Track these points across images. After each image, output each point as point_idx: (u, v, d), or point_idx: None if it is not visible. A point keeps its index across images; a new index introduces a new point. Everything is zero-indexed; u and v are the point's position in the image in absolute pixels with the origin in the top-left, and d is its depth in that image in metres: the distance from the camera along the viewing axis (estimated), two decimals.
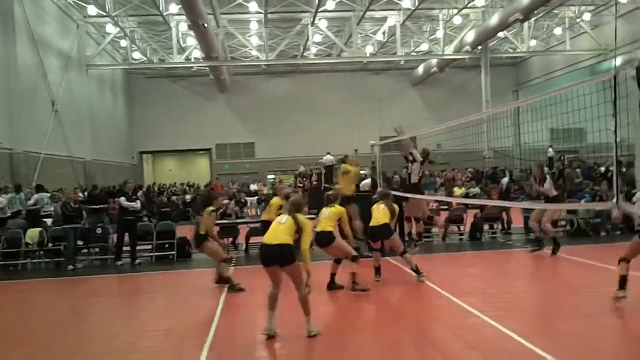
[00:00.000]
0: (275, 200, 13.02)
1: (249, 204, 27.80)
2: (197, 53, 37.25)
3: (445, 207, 18.03)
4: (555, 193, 13.50)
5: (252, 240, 16.10)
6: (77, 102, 32.27)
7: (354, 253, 10.34)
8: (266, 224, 11.26)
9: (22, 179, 22.52)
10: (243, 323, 8.86)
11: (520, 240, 16.74)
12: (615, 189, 6.73)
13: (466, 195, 22.29)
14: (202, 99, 46.18)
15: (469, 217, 17.58)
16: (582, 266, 12.39)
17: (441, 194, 23.55)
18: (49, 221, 17.84)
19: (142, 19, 35.42)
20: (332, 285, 10.65)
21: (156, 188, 38.02)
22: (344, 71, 46.70)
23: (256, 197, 30.00)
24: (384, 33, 38.94)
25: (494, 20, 32.54)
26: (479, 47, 37.74)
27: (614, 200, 6.40)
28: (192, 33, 32.56)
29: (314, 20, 34.06)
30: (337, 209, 10.39)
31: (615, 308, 8.80)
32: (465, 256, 14.83)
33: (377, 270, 11.25)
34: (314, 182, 29.54)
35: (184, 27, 34.13)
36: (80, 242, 16.07)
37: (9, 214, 17.61)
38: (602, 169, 25.59)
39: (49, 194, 19.72)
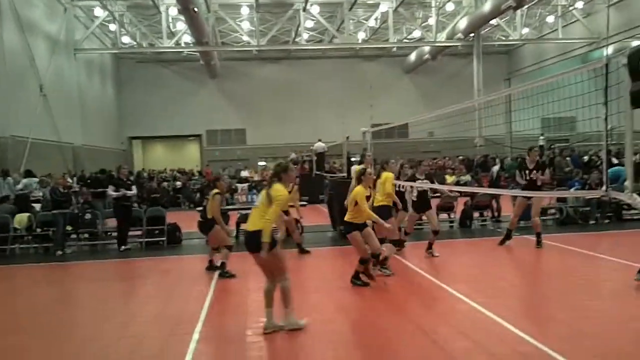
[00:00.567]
0: None
1: (239, 190, 27.81)
2: (188, 38, 37.12)
3: (437, 195, 18.02)
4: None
5: (243, 226, 16.06)
6: (66, 86, 32.06)
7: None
8: None
9: (10, 164, 22.44)
10: (234, 309, 8.85)
11: None
12: (605, 176, 6.74)
13: (457, 183, 22.32)
14: (193, 84, 45.94)
15: (460, 205, 17.62)
16: (571, 254, 12.44)
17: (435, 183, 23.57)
18: (37, 206, 17.76)
19: (131, 2, 35.28)
20: None
21: (146, 174, 37.88)
22: (335, 57, 46.58)
23: (247, 184, 29.96)
24: (376, 19, 38.90)
25: (487, 7, 32.50)
26: (472, 35, 37.71)
27: (603, 188, 6.40)
28: (182, 17, 32.35)
29: (305, 5, 33.98)
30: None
31: (602, 294, 8.88)
32: (456, 243, 14.86)
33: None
34: (306, 169, 29.55)
35: (174, 11, 33.99)
36: (69, 228, 16.01)
37: None
38: (585, 158, 25.59)
39: (37, 179, 19.62)
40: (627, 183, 5.44)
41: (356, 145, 19.29)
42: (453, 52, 43.63)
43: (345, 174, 18.39)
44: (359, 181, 9.59)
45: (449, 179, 24.98)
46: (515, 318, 7.49)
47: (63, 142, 30.54)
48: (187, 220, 16.43)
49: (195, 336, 7.29)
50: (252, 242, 7.12)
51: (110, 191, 15.57)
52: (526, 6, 35.12)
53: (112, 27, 37.38)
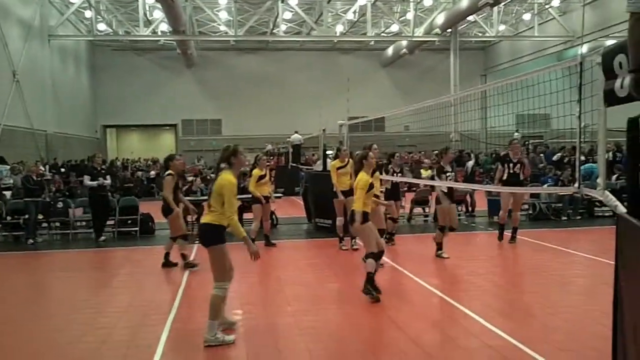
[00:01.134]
0: (256, 172, 13.40)
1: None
2: (164, 26, 36.74)
3: (413, 189, 18.12)
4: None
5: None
6: (39, 73, 31.52)
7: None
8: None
9: None
10: (206, 300, 8.75)
11: (484, 222, 16.94)
12: (578, 172, 6.82)
13: (432, 178, 22.37)
14: (169, 73, 45.51)
15: (434, 199, 17.66)
16: (543, 249, 12.57)
17: (407, 176, 23.63)
18: (8, 194, 17.52)
19: None
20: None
21: (119, 163, 37.59)
22: (313, 50, 46.49)
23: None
24: (354, 13, 38.86)
25: (464, 3, 32.62)
26: (449, 30, 37.86)
27: (576, 184, 6.47)
28: (159, 6, 31.90)
29: None
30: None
31: (573, 289, 9.00)
32: (430, 238, 14.88)
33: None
34: (281, 161, 29.55)
35: None
36: (40, 216, 15.83)
37: None
38: (558, 155, 25.30)
39: (8, 167, 19.35)
40: (599, 180, 5.49)
41: (333, 138, 19.28)
42: (430, 47, 43.74)
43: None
44: (361, 166, 8.62)
45: (425, 173, 25.03)
46: (488, 312, 7.56)
47: (36, 129, 30.08)
48: (160, 211, 16.30)
49: (167, 327, 7.27)
50: (199, 235, 6.86)
51: (87, 181, 15.35)
52: (503, 3, 35.31)
53: (88, 13, 36.74)
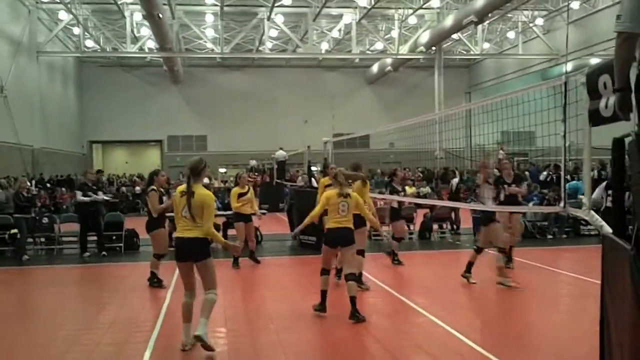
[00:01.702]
0: (235, 190, 13.32)
1: None
2: (151, 43, 36.77)
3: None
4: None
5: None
6: (27, 88, 31.54)
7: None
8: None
9: None
10: None
11: (469, 240, 16.91)
12: (563, 192, 6.84)
13: (417, 195, 22.43)
14: (155, 89, 45.58)
15: (419, 217, 17.70)
16: (528, 268, 12.55)
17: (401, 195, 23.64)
18: None
19: (95, 6, 34.92)
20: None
21: (105, 178, 37.36)
22: (299, 67, 46.61)
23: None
24: (339, 30, 39.06)
25: (449, 21, 32.90)
26: (433, 48, 38.13)
27: (562, 204, 6.49)
28: (146, 23, 32.11)
29: (270, 14, 34.01)
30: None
31: (558, 309, 8.99)
32: (415, 255, 14.92)
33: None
34: (266, 178, 29.53)
35: (138, 16, 33.64)
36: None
37: None
38: (544, 174, 25.02)
39: None
40: (585, 200, 5.51)
41: (317, 155, 19.29)
42: (415, 65, 44.02)
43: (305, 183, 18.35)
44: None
45: (409, 190, 25.07)
46: (471, 331, 7.53)
47: (22, 144, 29.96)
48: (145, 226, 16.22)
49: (150, 344, 7.19)
50: (196, 248, 6.87)
51: (79, 196, 15.22)
52: (487, 22, 35.64)
53: (76, 30, 36.82)
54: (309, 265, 13.11)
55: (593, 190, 9.69)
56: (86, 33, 36.54)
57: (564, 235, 17.23)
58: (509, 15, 37.23)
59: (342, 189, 8.46)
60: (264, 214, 15.63)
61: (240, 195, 13.05)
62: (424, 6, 34.64)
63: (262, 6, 34.44)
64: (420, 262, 14.17)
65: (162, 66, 41.04)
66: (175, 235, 7.31)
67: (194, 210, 6.70)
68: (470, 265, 10.75)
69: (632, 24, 3.46)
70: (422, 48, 37.03)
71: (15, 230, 14.98)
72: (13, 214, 15.24)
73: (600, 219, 4.98)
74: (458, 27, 32.36)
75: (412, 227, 17.69)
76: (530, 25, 38.16)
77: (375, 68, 45.60)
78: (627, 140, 3.82)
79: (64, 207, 27.30)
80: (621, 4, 3.57)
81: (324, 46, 41.41)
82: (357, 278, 8.50)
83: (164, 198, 10.94)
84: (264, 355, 6.90)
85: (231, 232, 15.35)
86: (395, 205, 13.06)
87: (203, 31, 37.77)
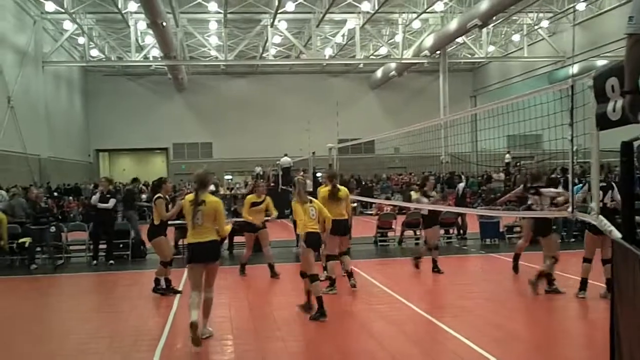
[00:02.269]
0: (249, 198, 13.05)
1: None
2: (156, 52, 36.87)
3: (403, 211, 18.02)
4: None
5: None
6: (33, 98, 31.81)
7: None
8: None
9: None
10: None
11: (476, 245, 16.82)
12: (571, 196, 6.77)
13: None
14: (160, 98, 45.70)
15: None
16: (535, 272, 12.44)
17: (397, 199, 23.61)
18: None
19: (100, 16, 35.05)
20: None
21: (112, 187, 37.41)
22: (302, 73, 46.64)
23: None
24: (343, 36, 39.03)
25: (453, 25, 32.80)
26: (438, 52, 38.01)
27: (570, 209, 6.41)
28: (150, 31, 32.21)
29: (273, 21, 34.00)
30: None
31: (565, 313, 8.91)
32: (421, 261, 14.81)
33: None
34: (271, 184, 29.45)
35: (142, 25, 33.76)
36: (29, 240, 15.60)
37: None
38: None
39: (4, 192, 19.27)
40: (592, 204, 5.44)
41: (322, 161, 19.25)
42: (419, 69, 43.93)
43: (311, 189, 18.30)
44: None
45: (414, 195, 24.97)
46: (481, 338, 7.44)
47: (29, 153, 30.23)
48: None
49: (157, 353, 7.16)
50: (212, 251, 7.49)
51: (95, 201, 15.19)
52: (492, 25, 35.54)
53: (81, 40, 37.02)
54: None
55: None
56: (91, 42, 36.74)
57: (572, 239, 17.08)
58: (514, 17, 37.11)
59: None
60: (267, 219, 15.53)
61: (254, 204, 12.64)
62: (428, 10, 34.55)
63: (265, 13, 34.50)
64: (426, 268, 14.05)
65: (166, 74, 41.16)
66: (187, 241, 7.75)
67: (207, 216, 7.37)
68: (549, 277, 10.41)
69: None
70: (426, 52, 36.95)
71: (25, 240, 15.02)
72: (26, 224, 15.32)
73: (609, 223, 4.90)
74: (462, 30, 32.27)
75: (418, 233, 17.45)
76: (536, 27, 38.04)
77: (379, 73, 45.57)
78: (635, 143, 3.77)
79: (71, 215, 27.43)
80: (633, 4, 3.50)
81: (328, 52, 41.41)
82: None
83: (169, 206, 10.95)
84: None
85: (238, 238, 15.34)
86: (426, 212, 12.84)
87: (207, 39, 37.84)
